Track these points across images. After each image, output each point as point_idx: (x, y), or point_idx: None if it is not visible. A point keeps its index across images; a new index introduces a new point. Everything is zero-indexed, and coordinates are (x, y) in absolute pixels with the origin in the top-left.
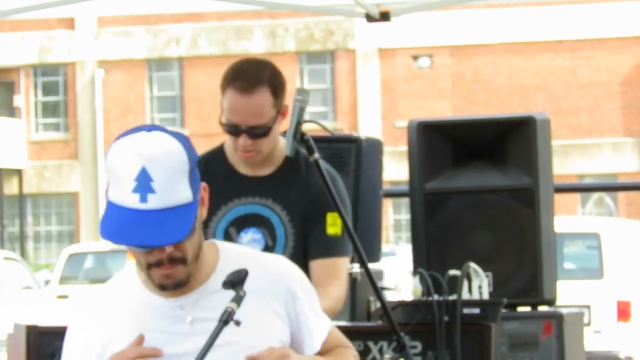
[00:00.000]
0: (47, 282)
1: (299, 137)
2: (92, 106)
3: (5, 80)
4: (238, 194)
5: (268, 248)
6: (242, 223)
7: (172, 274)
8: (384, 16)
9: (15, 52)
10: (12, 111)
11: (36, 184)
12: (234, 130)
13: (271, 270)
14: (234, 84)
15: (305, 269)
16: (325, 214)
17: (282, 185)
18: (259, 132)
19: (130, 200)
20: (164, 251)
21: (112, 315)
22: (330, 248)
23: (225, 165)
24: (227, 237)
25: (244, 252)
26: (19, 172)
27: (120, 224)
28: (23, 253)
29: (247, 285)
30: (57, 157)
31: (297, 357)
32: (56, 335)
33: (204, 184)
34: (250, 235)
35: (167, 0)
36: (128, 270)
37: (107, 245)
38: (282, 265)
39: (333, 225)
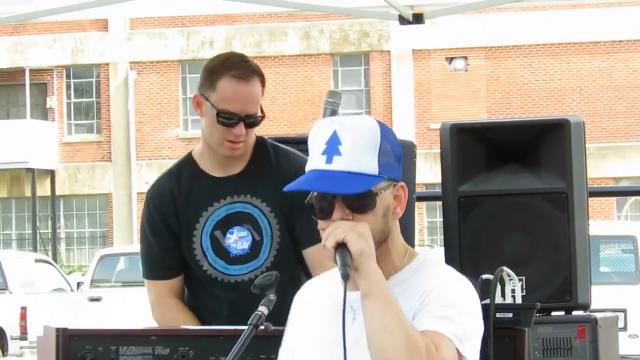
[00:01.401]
0: (79, 285)
1: None
2: (125, 108)
3: (38, 82)
4: (216, 197)
5: (256, 242)
6: (225, 224)
7: None
8: (418, 18)
9: (49, 53)
10: (45, 113)
11: (69, 186)
12: (231, 119)
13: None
14: (231, 73)
15: (296, 258)
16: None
17: (256, 178)
18: (254, 121)
19: (318, 162)
20: (340, 215)
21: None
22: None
23: (198, 172)
24: (214, 240)
25: (438, 268)
26: (51, 174)
27: (303, 179)
28: (55, 255)
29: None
30: (90, 159)
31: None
32: (86, 338)
33: (403, 184)
34: (236, 233)
35: (200, 2)
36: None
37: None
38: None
39: None
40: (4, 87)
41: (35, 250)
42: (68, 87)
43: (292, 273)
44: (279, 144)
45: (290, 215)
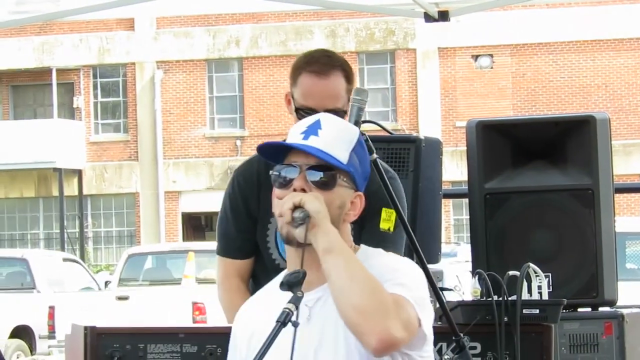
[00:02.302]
0: (106, 284)
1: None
2: (152, 107)
3: (65, 82)
4: None
5: None
6: None
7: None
8: (443, 16)
9: (75, 53)
10: (72, 112)
11: (96, 185)
12: (309, 114)
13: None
14: (309, 69)
15: None
16: (381, 208)
17: None
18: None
19: (295, 138)
20: (301, 181)
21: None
22: (380, 242)
23: None
24: None
25: (381, 256)
26: (78, 173)
27: (277, 143)
28: (83, 254)
29: None
30: (117, 158)
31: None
32: (115, 336)
33: (362, 194)
34: None
35: (226, 1)
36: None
37: (167, 246)
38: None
39: (387, 220)
40: (30, 87)
41: (62, 249)
42: (95, 86)
43: None
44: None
45: (364, 218)
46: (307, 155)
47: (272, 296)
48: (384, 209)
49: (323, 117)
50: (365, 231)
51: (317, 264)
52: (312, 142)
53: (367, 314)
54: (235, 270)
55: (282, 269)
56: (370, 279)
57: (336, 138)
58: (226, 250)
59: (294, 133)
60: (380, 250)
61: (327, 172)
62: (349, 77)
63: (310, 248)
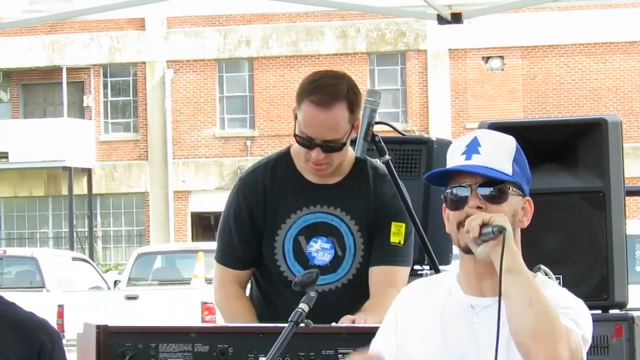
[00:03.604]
0: (116, 283)
1: (370, 138)
2: (162, 106)
3: (75, 80)
4: (307, 202)
5: (338, 257)
6: (311, 231)
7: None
8: (456, 18)
9: (86, 52)
10: (82, 111)
11: (105, 185)
12: (308, 143)
13: None
14: (312, 98)
15: None
16: (391, 222)
17: (350, 194)
18: (333, 147)
19: (457, 160)
20: (475, 201)
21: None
22: (392, 256)
23: (293, 172)
24: (297, 245)
25: (556, 288)
26: (88, 172)
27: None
28: (92, 253)
29: None
30: (127, 158)
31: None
32: (126, 335)
33: (530, 199)
34: (320, 243)
35: (237, 1)
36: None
37: (177, 246)
38: None
39: (397, 234)
40: (41, 86)
41: (71, 248)
42: (105, 85)
43: (368, 292)
44: (378, 166)
45: (372, 232)
46: (475, 175)
47: (443, 291)
48: (393, 223)
49: (480, 134)
50: (375, 246)
51: (491, 275)
52: (475, 160)
53: (540, 336)
54: (233, 278)
55: (290, 281)
56: (548, 305)
57: (497, 152)
58: (226, 259)
59: (453, 154)
60: (553, 283)
61: (496, 187)
62: (353, 107)
63: (485, 260)
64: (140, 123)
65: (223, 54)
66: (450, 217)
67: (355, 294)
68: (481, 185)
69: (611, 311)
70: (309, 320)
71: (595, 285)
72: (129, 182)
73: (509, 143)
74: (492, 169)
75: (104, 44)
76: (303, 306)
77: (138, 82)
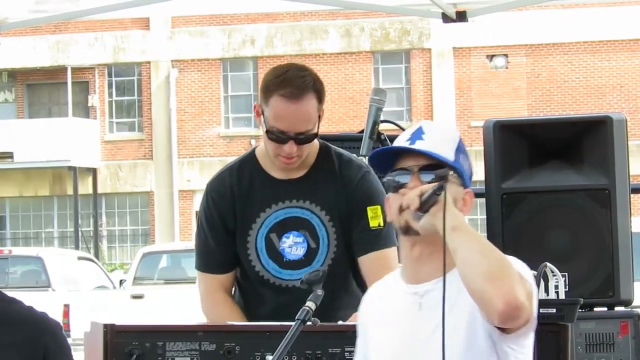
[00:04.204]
0: (121, 282)
1: (375, 136)
2: (167, 106)
3: (79, 80)
4: (275, 199)
5: (311, 250)
6: (282, 227)
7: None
8: (461, 16)
9: (90, 52)
10: (86, 111)
11: (110, 184)
12: (281, 137)
13: None
14: (281, 92)
15: (350, 266)
16: (366, 208)
17: (318, 185)
18: (305, 138)
19: (401, 143)
20: (414, 182)
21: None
22: (376, 241)
23: (259, 171)
24: (269, 243)
25: None
26: (93, 172)
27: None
28: (97, 253)
29: None
30: (132, 157)
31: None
32: (133, 334)
33: (470, 191)
34: (292, 238)
35: (242, 0)
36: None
37: (182, 245)
38: None
39: (375, 217)
40: (46, 86)
41: (77, 248)
42: (110, 85)
43: (345, 282)
44: (343, 152)
45: (349, 222)
46: (417, 158)
47: (390, 290)
48: (368, 208)
49: (425, 123)
50: (357, 234)
51: (429, 259)
52: (419, 145)
53: (495, 279)
54: (218, 284)
55: (267, 280)
56: (498, 251)
57: (441, 139)
58: (207, 266)
59: (399, 141)
60: None
61: (439, 170)
62: (320, 96)
63: (423, 242)
64: (145, 122)
65: (227, 53)
66: (391, 201)
67: (332, 284)
68: (423, 169)
69: (617, 308)
70: (316, 319)
71: (601, 283)
72: (134, 182)
73: (453, 134)
74: (434, 153)
75: (109, 43)
76: (310, 304)
77: (143, 81)
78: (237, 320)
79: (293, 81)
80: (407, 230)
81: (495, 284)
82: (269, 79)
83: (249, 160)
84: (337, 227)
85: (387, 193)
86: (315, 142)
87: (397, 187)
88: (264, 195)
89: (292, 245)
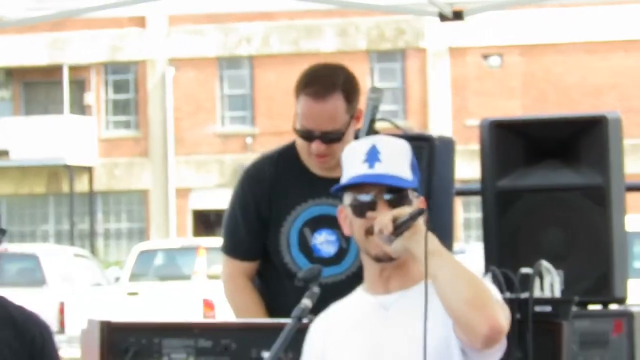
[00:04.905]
0: (117, 279)
1: (373, 135)
2: (163, 104)
3: (76, 78)
4: (312, 195)
5: (342, 250)
6: (316, 223)
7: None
8: (458, 15)
9: (87, 50)
10: (83, 109)
11: (106, 182)
12: (307, 135)
13: None
14: (307, 90)
15: None
16: None
17: None
18: (332, 138)
19: (360, 168)
20: (376, 214)
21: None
22: None
23: (298, 165)
24: (302, 236)
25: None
26: (89, 170)
27: (350, 180)
28: (93, 250)
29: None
30: (128, 155)
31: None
32: (130, 331)
33: (423, 199)
34: (325, 236)
35: None
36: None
37: (178, 242)
38: None
39: None
40: (42, 84)
41: (72, 244)
42: (106, 83)
43: None
44: None
45: None
46: (379, 185)
47: (353, 302)
48: None
49: (377, 140)
50: None
51: (394, 272)
52: (378, 169)
53: (478, 305)
54: (242, 270)
55: (294, 273)
56: (474, 275)
57: (397, 159)
58: (234, 251)
59: (354, 161)
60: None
61: (400, 194)
62: (349, 96)
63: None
64: (141, 121)
65: (224, 52)
66: (355, 225)
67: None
68: (386, 192)
69: (611, 306)
70: (312, 316)
71: (596, 281)
72: (130, 180)
73: (405, 148)
74: (395, 176)
75: (105, 42)
76: (306, 302)
77: (139, 80)
78: (257, 309)
79: (319, 80)
80: (378, 259)
81: (479, 310)
82: (301, 77)
83: (289, 152)
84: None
85: (353, 215)
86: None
87: (362, 210)
88: (301, 189)
89: (324, 242)
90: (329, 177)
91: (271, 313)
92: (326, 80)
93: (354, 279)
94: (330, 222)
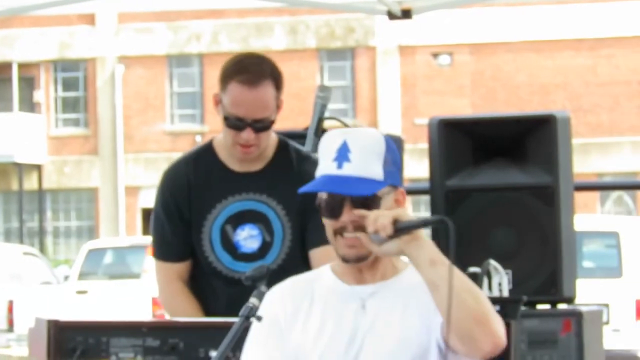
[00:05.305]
0: (66, 278)
1: (321, 133)
2: (112, 102)
3: (25, 76)
4: (232, 191)
5: (266, 243)
6: (238, 219)
7: (354, 244)
8: (406, 14)
9: (36, 47)
10: (32, 106)
11: (56, 180)
12: (238, 124)
13: None
14: (239, 78)
15: (304, 262)
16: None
17: (275, 179)
18: (263, 126)
19: (330, 167)
20: (349, 215)
21: (305, 295)
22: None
23: (216, 163)
24: (224, 234)
25: None
26: (38, 168)
27: (317, 182)
28: (42, 248)
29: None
30: (77, 153)
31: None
32: (77, 330)
33: (403, 190)
34: (247, 231)
35: None
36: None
37: (127, 240)
38: None
39: None
40: None
41: (22, 243)
42: (55, 81)
43: None
44: (300, 148)
45: (304, 216)
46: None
47: (326, 288)
48: None
49: (348, 137)
50: (310, 228)
51: (371, 264)
52: (347, 169)
53: (482, 321)
54: (176, 274)
55: (219, 272)
56: (477, 288)
57: (368, 156)
58: (165, 255)
59: (324, 158)
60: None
61: (369, 197)
62: (278, 84)
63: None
64: (90, 118)
65: (173, 49)
66: (325, 224)
67: (286, 279)
68: (353, 198)
69: (559, 306)
70: (260, 315)
71: (544, 280)
72: (80, 178)
73: (378, 144)
74: (362, 178)
75: (55, 39)
76: (254, 301)
77: (88, 77)
78: (194, 311)
79: (250, 68)
80: (348, 260)
81: (484, 326)
82: (227, 67)
83: (207, 151)
84: (293, 222)
85: (322, 215)
86: (274, 136)
87: (331, 211)
88: (220, 187)
89: (247, 237)
90: (248, 172)
91: (204, 313)
92: (256, 68)
93: (280, 272)
94: (252, 217)
